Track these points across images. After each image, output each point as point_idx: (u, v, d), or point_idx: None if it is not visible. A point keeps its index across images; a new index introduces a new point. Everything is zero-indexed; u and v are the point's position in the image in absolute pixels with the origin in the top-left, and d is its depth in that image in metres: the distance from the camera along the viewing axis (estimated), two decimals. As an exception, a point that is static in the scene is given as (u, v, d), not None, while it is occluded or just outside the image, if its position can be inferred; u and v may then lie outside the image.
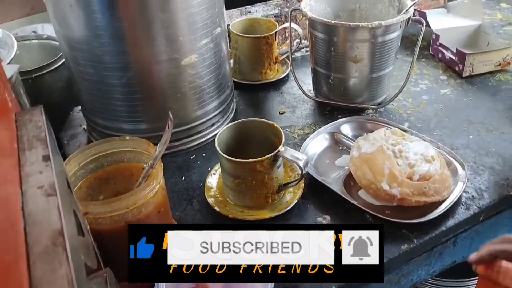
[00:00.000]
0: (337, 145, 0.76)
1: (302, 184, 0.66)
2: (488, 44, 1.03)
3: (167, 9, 0.62)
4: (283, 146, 0.61)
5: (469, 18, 1.08)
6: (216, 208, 0.63)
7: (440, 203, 0.61)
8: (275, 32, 0.92)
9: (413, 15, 0.79)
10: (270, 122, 0.65)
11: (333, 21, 0.74)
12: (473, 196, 0.65)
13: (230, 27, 0.93)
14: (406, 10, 0.76)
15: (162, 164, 0.52)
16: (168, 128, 0.49)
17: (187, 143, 0.76)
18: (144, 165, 0.54)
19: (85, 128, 0.82)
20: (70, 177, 0.50)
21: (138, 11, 0.61)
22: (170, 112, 0.50)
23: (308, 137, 0.76)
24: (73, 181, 0.51)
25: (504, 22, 1.20)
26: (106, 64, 0.64)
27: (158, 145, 0.50)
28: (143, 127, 0.72)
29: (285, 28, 0.91)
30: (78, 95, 0.75)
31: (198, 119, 0.75)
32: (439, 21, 1.07)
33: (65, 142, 0.80)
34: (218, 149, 0.60)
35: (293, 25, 0.91)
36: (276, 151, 0.60)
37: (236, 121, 0.66)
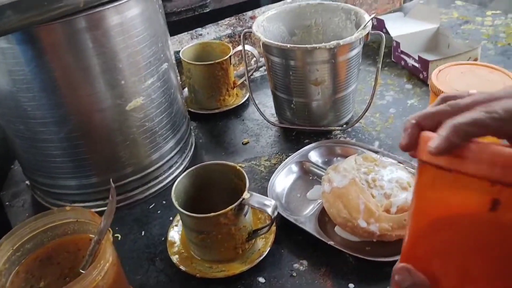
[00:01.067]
0: (307, 175, 0.72)
1: (273, 227, 0.61)
2: (448, 47, 1.02)
3: (103, 52, 0.56)
4: (248, 192, 0.56)
5: (426, 21, 1.06)
6: (181, 267, 0.57)
7: (422, 235, 0.58)
8: (230, 56, 0.87)
9: (372, 25, 0.75)
10: (232, 164, 0.60)
11: (288, 45, 0.70)
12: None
13: (180, 54, 0.88)
14: (364, 26, 0.73)
15: (111, 237, 0.45)
16: (111, 198, 0.43)
17: (144, 191, 0.70)
18: (91, 235, 0.48)
19: (28, 183, 0.74)
20: (1, 266, 0.43)
21: (70, 58, 0.55)
22: (111, 180, 0.44)
23: (275, 168, 0.72)
24: (7, 268, 0.44)
25: (461, 20, 1.20)
26: (39, 119, 0.58)
27: (102, 218, 0.44)
28: (93, 181, 0.65)
29: (241, 50, 0.86)
30: (14, 153, 0.67)
31: (153, 164, 0.69)
32: (398, 27, 1.05)
33: (7, 203, 0.72)
34: (175, 203, 0.55)
35: (247, 48, 0.86)
36: (241, 199, 0.55)
37: (194, 167, 0.60)
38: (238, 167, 0.59)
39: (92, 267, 0.42)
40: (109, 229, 0.46)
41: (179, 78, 0.76)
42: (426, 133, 0.32)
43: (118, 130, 0.63)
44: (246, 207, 0.56)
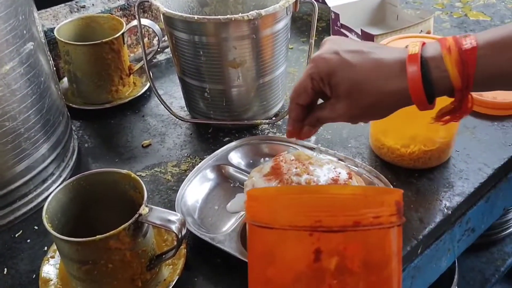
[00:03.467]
0: (227, 182, 0.73)
1: (183, 250, 0.61)
2: (397, 18, 1.08)
3: None
4: (146, 206, 0.55)
5: (371, -13, 1.12)
6: (59, 312, 0.55)
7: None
8: (123, 33, 0.87)
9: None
10: (125, 172, 0.59)
11: (196, 17, 0.71)
12: (406, 224, 0.65)
13: (55, 32, 0.85)
14: (291, -9, 0.75)
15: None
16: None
17: (7, 215, 0.68)
18: None
19: None
20: None
21: None
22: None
23: (186, 175, 0.72)
24: None
25: (412, -13, 1.28)
26: None
27: None
28: None
29: (136, 26, 0.85)
30: None
31: (18, 178, 0.67)
32: (337, -5, 1.09)
33: None
34: (47, 226, 0.53)
35: (145, 22, 0.86)
36: (137, 215, 0.54)
37: (74, 178, 0.59)
38: (132, 175, 0.59)
39: None
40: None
41: (52, 63, 0.74)
42: (250, 191, 0.45)
43: (-34, 133, 0.60)
44: (145, 225, 0.56)
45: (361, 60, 0.51)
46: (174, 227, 0.55)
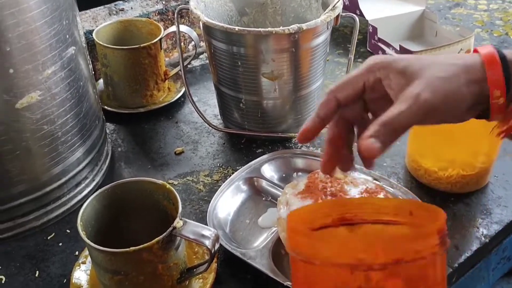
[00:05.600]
0: (259, 196, 0.72)
1: (214, 264, 0.60)
2: (436, 35, 1.06)
3: (-15, 30, 0.54)
4: (180, 219, 0.55)
5: (410, 2, 1.11)
6: (89, 319, 0.55)
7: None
8: (160, 39, 0.87)
9: (343, 6, 0.77)
10: (160, 182, 0.59)
11: (236, 28, 0.70)
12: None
13: (94, 35, 0.86)
14: (333, 6, 0.74)
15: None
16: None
17: (41, 217, 0.68)
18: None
19: None
20: None
21: None
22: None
23: (218, 186, 0.71)
24: None
25: (451, 3, 1.26)
26: None
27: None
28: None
29: (174, 31, 0.85)
30: None
31: (54, 180, 0.67)
32: (375, 9, 1.08)
33: None
34: (82, 234, 0.53)
35: (183, 28, 0.86)
36: (170, 229, 0.54)
37: (109, 186, 0.59)
38: (168, 186, 0.58)
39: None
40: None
41: (91, 66, 0.74)
42: (290, 218, 0.43)
43: (5, 135, 0.60)
44: (178, 239, 0.56)
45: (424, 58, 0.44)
46: (207, 243, 0.54)
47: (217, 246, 0.55)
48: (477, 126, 0.49)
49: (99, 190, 0.58)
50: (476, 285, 0.70)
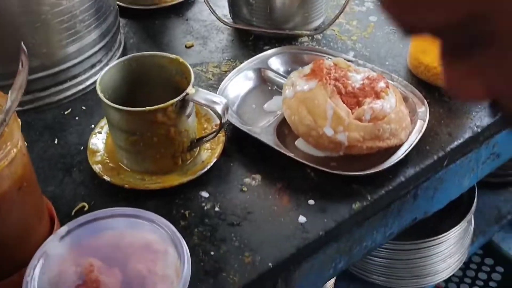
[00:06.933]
0: (265, 85, 0.75)
1: (222, 137, 0.64)
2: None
3: None
4: (192, 87, 0.58)
5: None
6: (105, 177, 0.60)
7: (396, 148, 0.63)
8: None
9: None
10: (174, 56, 0.62)
11: None
12: (435, 137, 0.67)
13: None
14: None
15: (19, 119, 0.47)
16: (22, 66, 0.45)
17: (58, 93, 0.71)
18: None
19: None
20: None
21: None
22: (22, 43, 0.45)
23: (226, 76, 0.74)
24: None
25: None
26: None
27: (9, 92, 0.45)
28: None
29: None
30: None
31: (70, 58, 0.70)
32: None
33: None
34: (101, 95, 0.57)
35: None
36: (184, 93, 0.57)
37: (127, 57, 0.62)
38: (181, 60, 0.62)
39: (-5, 148, 0.43)
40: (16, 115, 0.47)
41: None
42: None
43: (25, 6, 0.63)
44: (191, 105, 0.59)
45: None
46: (218, 108, 0.57)
47: (227, 114, 0.59)
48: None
49: (118, 60, 0.62)
50: (465, 173, 0.74)
